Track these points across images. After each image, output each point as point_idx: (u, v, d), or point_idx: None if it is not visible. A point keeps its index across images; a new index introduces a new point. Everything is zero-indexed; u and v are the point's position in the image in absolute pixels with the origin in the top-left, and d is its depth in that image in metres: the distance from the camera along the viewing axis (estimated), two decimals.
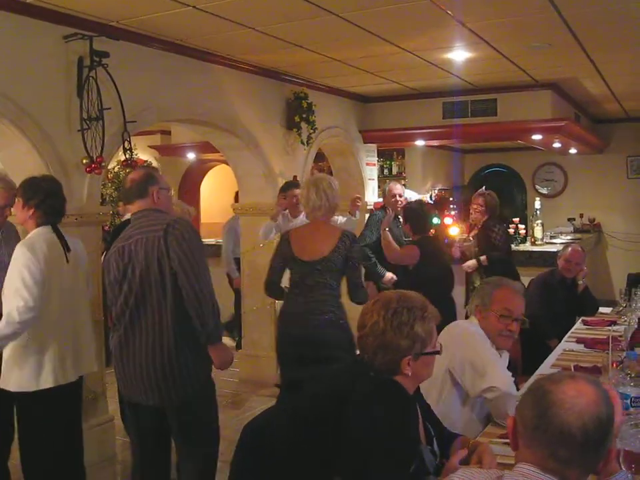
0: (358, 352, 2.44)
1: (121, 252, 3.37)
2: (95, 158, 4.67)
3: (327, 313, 4.19)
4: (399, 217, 6.37)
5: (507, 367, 3.34)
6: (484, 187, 8.84)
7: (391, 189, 6.60)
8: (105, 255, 3.72)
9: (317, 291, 4.21)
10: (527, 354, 4.88)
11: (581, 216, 11.32)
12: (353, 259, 4.28)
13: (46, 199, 3.68)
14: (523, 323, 3.24)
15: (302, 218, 5.73)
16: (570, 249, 5.66)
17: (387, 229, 5.76)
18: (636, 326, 3.67)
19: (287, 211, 6.13)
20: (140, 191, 3.46)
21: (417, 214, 5.68)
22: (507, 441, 2.57)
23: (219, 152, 7.39)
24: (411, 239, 5.79)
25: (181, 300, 3.27)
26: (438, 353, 2.40)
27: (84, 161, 4.66)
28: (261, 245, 6.43)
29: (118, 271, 3.37)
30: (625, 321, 4.53)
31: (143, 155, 10.06)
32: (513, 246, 8.42)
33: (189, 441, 3.49)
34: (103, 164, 4.77)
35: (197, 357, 3.38)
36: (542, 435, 1.61)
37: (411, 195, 9.17)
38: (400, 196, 6.54)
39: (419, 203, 6.12)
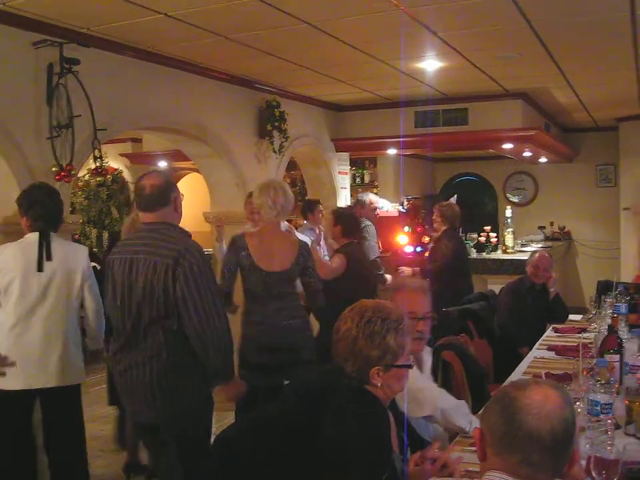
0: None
1: (128, 264, 3.20)
2: (64, 166, 4.61)
3: (298, 317, 4.22)
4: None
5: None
6: (455, 196, 8.92)
7: (372, 201, 6.93)
8: None
9: (285, 298, 4.19)
10: (498, 362, 4.91)
11: (552, 224, 11.45)
12: (310, 267, 4.30)
13: (32, 205, 3.69)
14: (433, 319, 3.13)
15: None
16: (537, 254, 5.74)
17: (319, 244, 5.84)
18: (606, 333, 3.69)
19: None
20: (163, 198, 3.28)
21: (348, 217, 5.75)
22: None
23: (190, 160, 7.34)
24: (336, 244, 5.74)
25: (181, 326, 3.16)
26: (409, 366, 2.37)
27: (53, 169, 4.59)
28: None
29: (121, 282, 3.22)
30: (595, 328, 4.57)
31: (114, 163, 9.97)
32: (484, 254, 8.51)
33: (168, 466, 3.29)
34: (73, 172, 4.71)
35: (192, 377, 3.24)
36: (511, 441, 1.62)
37: (383, 204, 9.25)
38: (378, 208, 6.84)
39: (350, 208, 6.46)
